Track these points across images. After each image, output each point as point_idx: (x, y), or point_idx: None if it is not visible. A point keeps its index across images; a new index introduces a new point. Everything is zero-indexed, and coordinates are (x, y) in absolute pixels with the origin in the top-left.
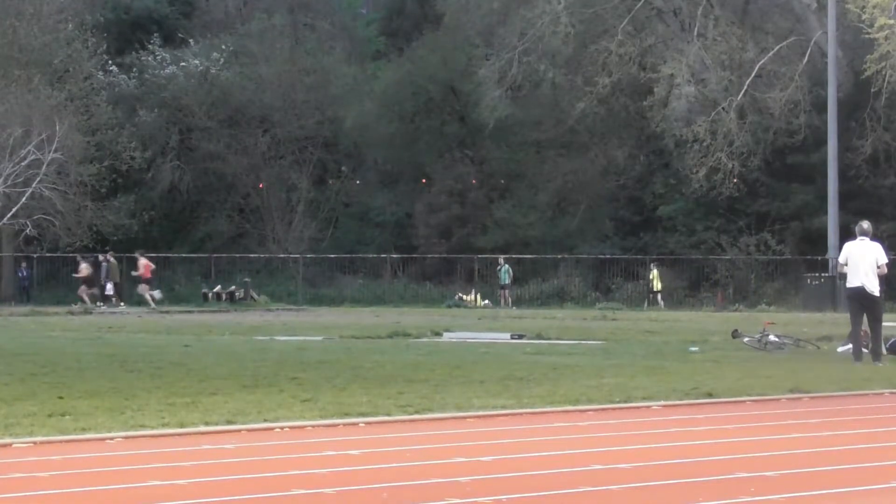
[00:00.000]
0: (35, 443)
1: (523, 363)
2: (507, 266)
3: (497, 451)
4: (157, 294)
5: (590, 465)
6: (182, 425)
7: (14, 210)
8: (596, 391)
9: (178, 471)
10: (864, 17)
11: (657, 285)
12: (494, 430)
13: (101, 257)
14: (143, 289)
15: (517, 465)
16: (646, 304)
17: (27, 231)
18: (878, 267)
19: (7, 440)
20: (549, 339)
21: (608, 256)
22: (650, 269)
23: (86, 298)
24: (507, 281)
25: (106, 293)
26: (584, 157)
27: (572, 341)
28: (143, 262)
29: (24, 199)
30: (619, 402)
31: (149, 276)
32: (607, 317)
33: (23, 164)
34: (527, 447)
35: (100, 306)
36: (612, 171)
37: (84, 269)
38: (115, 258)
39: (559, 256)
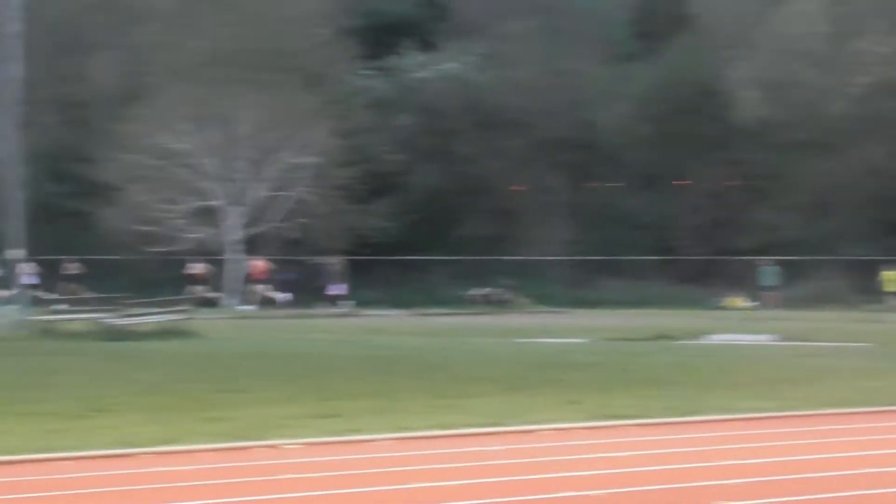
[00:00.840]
0: (304, 444)
1: (788, 365)
2: (771, 267)
3: (764, 454)
4: None
5: (861, 469)
6: (447, 427)
7: (276, 214)
8: (863, 394)
9: (444, 472)
10: None
11: (890, 286)
12: (760, 433)
13: (326, 259)
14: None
15: (784, 468)
16: (881, 304)
17: (290, 234)
18: None
19: (276, 441)
20: (813, 341)
21: (873, 258)
22: (882, 271)
23: (198, 296)
24: (772, 283)
25: (333, 294)
26: (843, 158)
27: (837, 343)
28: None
29: (285, 203)
30: (888, 406)
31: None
32: (873, 319)
33: (283, 168)
34: (793, 450)
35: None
36: (872, 172)
37: (199, 268)
38: (344, 260)
39: (822, 258)
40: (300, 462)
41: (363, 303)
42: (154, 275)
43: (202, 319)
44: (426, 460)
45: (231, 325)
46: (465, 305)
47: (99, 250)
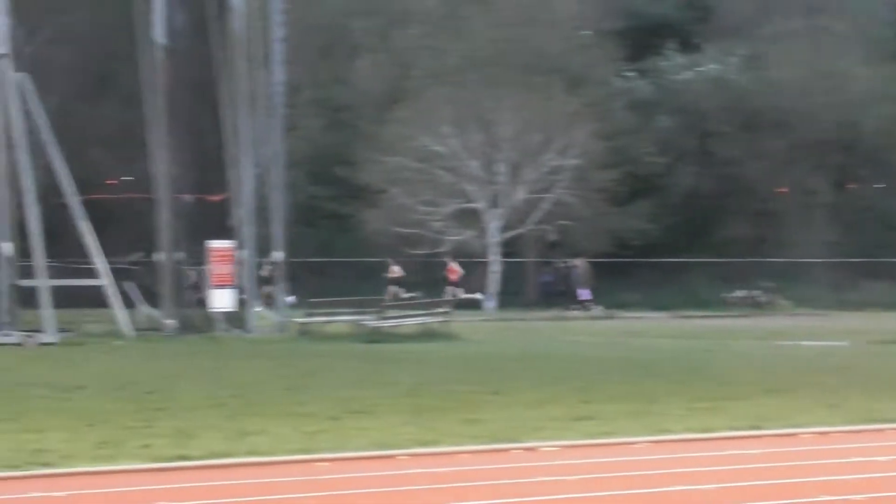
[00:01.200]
0: (562, 446)
1: None
2: None
3: None
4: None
5: None
6: (706, 430)
7: (536, 216)
8: None
9: (703, 475)
10: None
11: None
12: None
13: (571, 262)
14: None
15: None
16: None
17: (550, 236)
18: None
19: (534, 443)
20: None
21: None
22: None
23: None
24: None
25: (580, 299)
26: None
27: None
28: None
29: (546, 204)
30: None
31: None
32: None
33: (543, 170)
34: None
35: (576, 310)
36: None
37: (396, 270)
38: (589, 263)
39: None
40: (557, 464)
41: (622, 305)
42: (414, 277)
43: (461, 322)
44: (684, 463)
45: (490, 327)
46: (725, 307)
47: (359, 252)
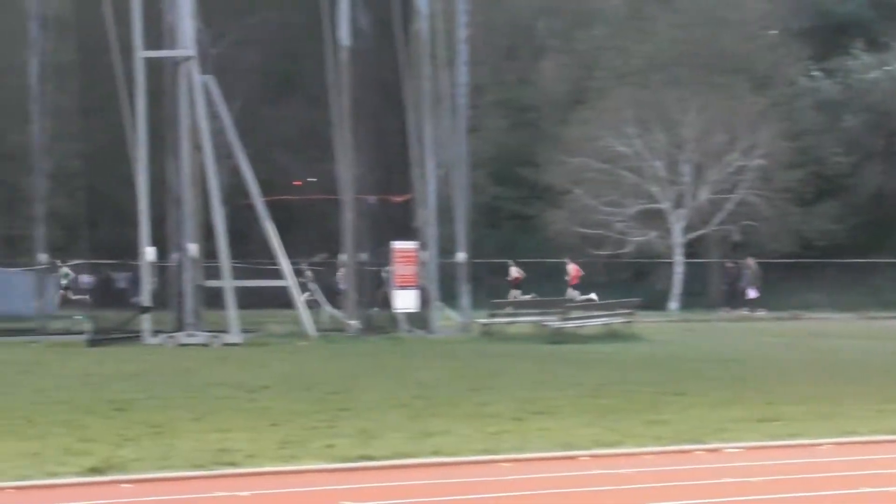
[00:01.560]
0: (745, 448)
1: None
2: None
3: None
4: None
5: None
6: (894, 432)
7: (720, 216)
8: None
9: (890, 478)
10: None
11: None
12: None
13: (742, 262)
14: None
15: None
16: None
17: (733, 237)
18: None
19: (717, 444)
20: None
21: None
22: None
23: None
24: None
25: (748, 298)
26: None
27: None
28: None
29: (729, 205)
30: None
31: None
32: None
33: (728, 170)
34: None
35: (742, 311)
36: None
37: (515, 272)
38: (757, 264)
39: None
40: (740, 466)
41: (807, 306)
42: (597, 278)
43: (644, 322)
44: (870, 465)
45: (672, 328)
46: None
47: (542, 253)
